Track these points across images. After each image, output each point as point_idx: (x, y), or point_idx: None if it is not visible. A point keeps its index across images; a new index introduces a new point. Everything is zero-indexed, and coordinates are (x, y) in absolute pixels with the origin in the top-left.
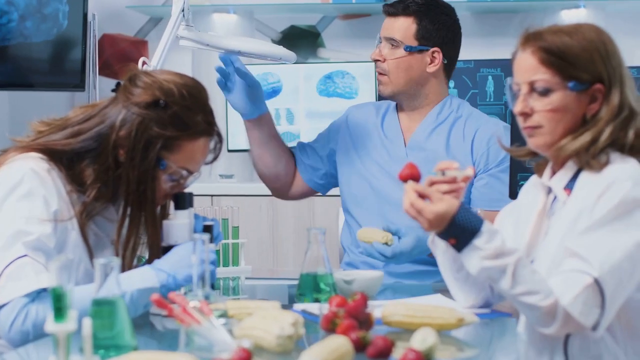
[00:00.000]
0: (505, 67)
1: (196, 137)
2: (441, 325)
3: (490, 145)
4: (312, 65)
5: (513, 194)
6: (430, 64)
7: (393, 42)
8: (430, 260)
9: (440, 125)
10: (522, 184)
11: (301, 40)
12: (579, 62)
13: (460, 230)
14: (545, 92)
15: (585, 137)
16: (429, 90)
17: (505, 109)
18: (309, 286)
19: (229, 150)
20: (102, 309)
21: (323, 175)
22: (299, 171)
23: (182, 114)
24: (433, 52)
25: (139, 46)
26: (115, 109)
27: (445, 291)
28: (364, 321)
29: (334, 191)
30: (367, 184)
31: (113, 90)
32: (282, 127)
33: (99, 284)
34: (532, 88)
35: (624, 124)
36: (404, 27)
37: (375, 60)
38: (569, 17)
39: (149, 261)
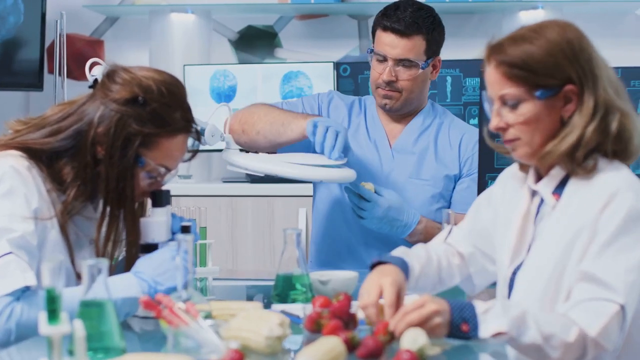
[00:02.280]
0: (463, 67)
1: (174, 134)
2: None
3: (475, 150)
4: (269, 66)
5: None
6: (432, 71)
7: (406, 63)
8: None
9: (426, 130)
10: (491, 184)
11: (258, 41)
12: (544, 69)
13: (462, 309)
14: (515, 105)
15: (569, 140)
16: (424, 96)
17: (464, 110)
18: (286, 287)
19: (188, 151)
20: (90, 310)
21: None
22: None
23: (161, 111)
24: (435, 61)
25: (95, 46)
26: (93, 106)
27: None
28: (349, 322)
29: (293, 191)
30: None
31: (90, 87)
32: None
33: (87, 286)
34: (502, 102)
35: (604, 121)
36: (416, 46)
37: (389, 81)
38: (527, 18)
39: (128, 260)
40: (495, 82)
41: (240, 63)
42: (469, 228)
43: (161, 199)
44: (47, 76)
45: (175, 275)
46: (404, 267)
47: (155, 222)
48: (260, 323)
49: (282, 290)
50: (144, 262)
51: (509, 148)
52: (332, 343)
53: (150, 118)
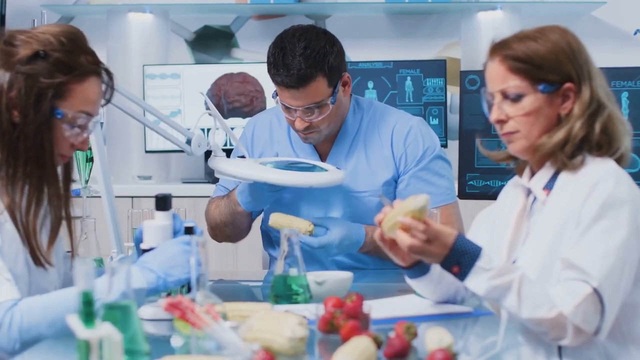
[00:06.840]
0: (423, 67)
1: (84, 78)
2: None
3: (407, 145)
4: (228, 66)
5: (462, 194)
6: (344, 89)
7: (313, 107)
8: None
9: (355, 139)
10: (471, 184)
11: (215, 41)
12: (546, 64)
13: (461, 255)
14: (517, 98)
15: (560, 134)
16: (345, 110)
17: (425, 110)
18: (284, 288)
19: (147, 152)
20: (114, 313)
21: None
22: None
23: (65, 58)
24: (343, 80)
25: None
26: None
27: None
28: (363, 321)
29: None
30: (283, 196)
31: None
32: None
33: (110, 288)
34: (504, 95)
35: (592, 117)
36: (318, 88)
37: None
38: (486, 19)
39: (51, 237)
40: (499, 76)
41: (197, 63)
42: None
43: (165, 203)
44: None
45: (186, 267)
46: None
47: (159, 227)
48: (280, 324)
49: (280, 291)
50: (151, 254)
51: (505, 141)
52: (365, 343)
53: (56, 68)
